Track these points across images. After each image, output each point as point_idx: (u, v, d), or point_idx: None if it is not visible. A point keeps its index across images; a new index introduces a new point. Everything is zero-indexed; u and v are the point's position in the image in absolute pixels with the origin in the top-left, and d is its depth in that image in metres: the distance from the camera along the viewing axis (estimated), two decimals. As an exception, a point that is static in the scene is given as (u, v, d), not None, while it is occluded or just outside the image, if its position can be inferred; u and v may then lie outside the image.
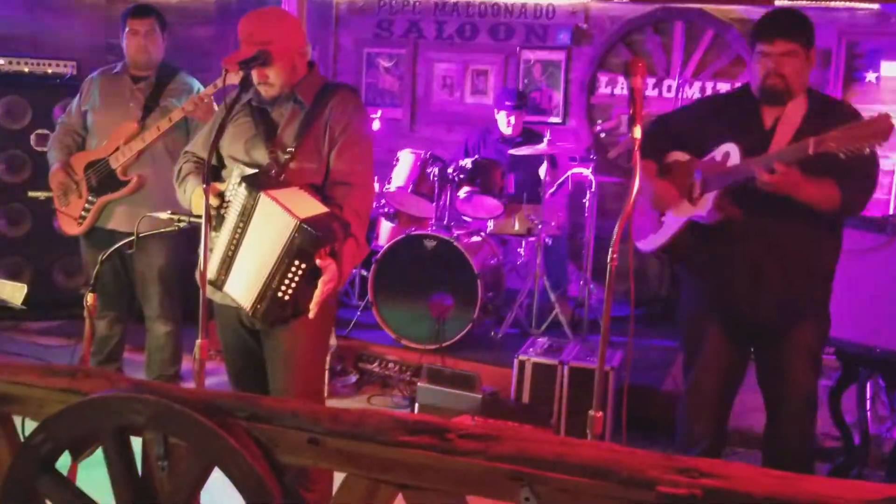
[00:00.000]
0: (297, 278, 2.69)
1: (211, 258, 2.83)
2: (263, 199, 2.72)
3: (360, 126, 2.98)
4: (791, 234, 3.12)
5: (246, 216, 2.75)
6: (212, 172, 2.79)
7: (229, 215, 2.80)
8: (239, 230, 2.77)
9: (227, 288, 2.83)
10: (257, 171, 2.86)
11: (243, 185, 2.76)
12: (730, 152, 3.10)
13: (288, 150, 2.89)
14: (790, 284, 3.16)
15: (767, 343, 3.26)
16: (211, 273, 2.82)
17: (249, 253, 2.76)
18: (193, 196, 2.99)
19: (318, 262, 2.68)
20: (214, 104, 4.18)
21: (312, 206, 2.76)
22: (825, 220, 3.11)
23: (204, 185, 2.70)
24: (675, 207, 3.26)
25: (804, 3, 5.36)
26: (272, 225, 2.70)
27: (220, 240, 2.83)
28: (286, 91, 2.95)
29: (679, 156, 3.30)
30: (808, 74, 3.13)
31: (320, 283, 2.72)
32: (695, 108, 3.64)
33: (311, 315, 2.77)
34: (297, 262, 2.68)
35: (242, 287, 2.78)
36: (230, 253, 2.80)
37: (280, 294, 2.70)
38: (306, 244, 2.65)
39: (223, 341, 3.18)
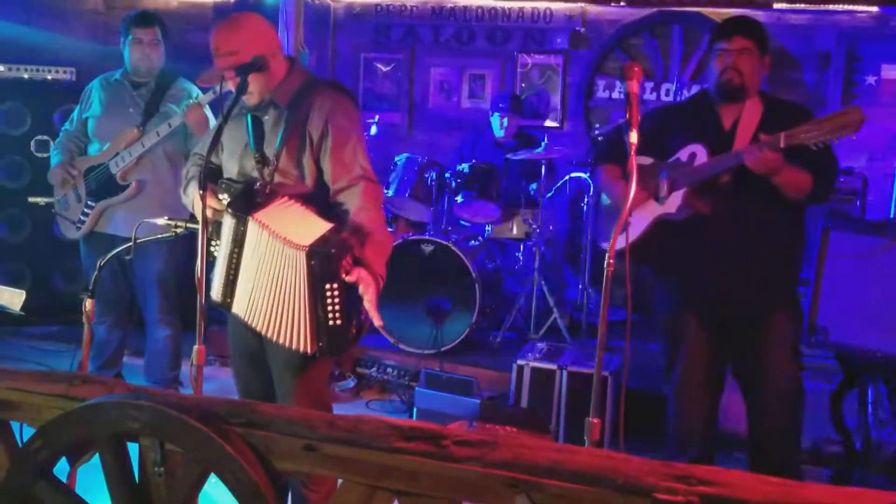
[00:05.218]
0: (336, 299, 2.63)
1: (212, 281, 2.82)
2: (252, 225, 2.70)
3: (341, 122, 2.87)
4: (757, 225, 3.26)
5: (238, 242, 2.73)
6: (210, 176, 2.77)
7: (222, 241, 2.78)
8: (235, 255, 2.75)
9: (237, 310, 2.79)
10: (243, 189, 2.82)
11: (229, 211, 2.74)
12: (696, 152, 3.28)
13: (271, 161, 2.84)
14: (759, 272, 3.29)
15: (744, 336, 3.36)
16: (216, 295, 2.81)
17: (255, 283, 2.72)
18: (195, 199, 2.96)
19: (345, 277, 2.64)
20: (208, 112, 4.19)
21: (309, 223, 2.71)
22: (789, 211, 3.28)
23: (201, 191, 2.70)
24: (642, 207, 3.37)
25: (803, 5, 5.35)
26: (277, 258, 2.65)
27: (218, 264, 2.81)
28: (265, 97, 2.89)
29: (642, 160, 3.35)
30: (761, 77, 3.36)
31: (362, 292, 2.68)
32: (655, 114, 3.74)
33: (378, 324, 2.75)
34: (327, 286, 2.62)
35: (278, 328, 2.69)
36: (231, 277, 2.78)
37: (331, 323, 2.64)
38: (326, 265, 2.60)
39: (231, 343, 3.15)
